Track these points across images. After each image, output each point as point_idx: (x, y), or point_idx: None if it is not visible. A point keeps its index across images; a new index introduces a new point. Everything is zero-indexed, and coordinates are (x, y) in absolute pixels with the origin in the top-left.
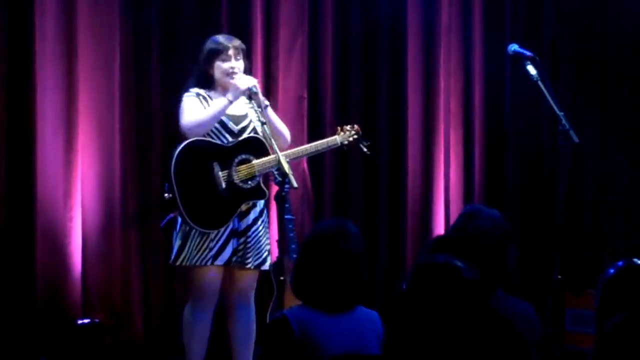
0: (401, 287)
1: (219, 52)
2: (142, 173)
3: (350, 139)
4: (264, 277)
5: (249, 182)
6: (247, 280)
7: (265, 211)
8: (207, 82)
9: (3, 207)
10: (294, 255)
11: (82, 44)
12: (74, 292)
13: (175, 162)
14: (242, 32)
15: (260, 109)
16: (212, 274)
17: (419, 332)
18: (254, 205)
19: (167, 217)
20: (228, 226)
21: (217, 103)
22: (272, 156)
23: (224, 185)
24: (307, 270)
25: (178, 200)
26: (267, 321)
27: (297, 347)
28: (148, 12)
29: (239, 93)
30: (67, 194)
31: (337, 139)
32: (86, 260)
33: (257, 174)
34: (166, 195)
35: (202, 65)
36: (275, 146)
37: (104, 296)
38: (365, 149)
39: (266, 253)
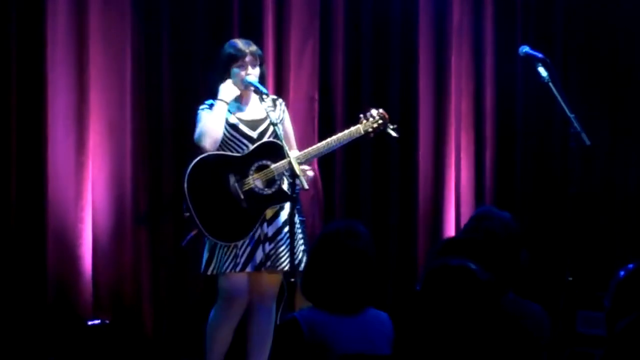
0: (414, 289)
1: (236, 59)
2: (153, 174)
3: (375, 125)
4: None
5: (269, 188)
6: (272, 284)
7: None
8: None
9: (14, 208)
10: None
11: (93, 46)
12: (85, 293)
13: (187, 182)
14: (254, 33)
15: (262, 95)
16: (241, 280)
17: (432, 333)
18: (282, 208)
19: (189, 236)
20: (255, 233)
21: (215, 108)
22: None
23: (242, 195)
24: (316, 271)
25: (196, 218)
26: (278, 323)
27: (307, 348)
28: (159, 14)
29: (229, 91)
30: (78, 195)
31: (360, 128)
32: (97, 261)
33: (276, 178)
34: (185, 214)
35: (219, 72)
36: (287, 147)
37: (114, 297)
38: (393, 133)
39: (301, 254)
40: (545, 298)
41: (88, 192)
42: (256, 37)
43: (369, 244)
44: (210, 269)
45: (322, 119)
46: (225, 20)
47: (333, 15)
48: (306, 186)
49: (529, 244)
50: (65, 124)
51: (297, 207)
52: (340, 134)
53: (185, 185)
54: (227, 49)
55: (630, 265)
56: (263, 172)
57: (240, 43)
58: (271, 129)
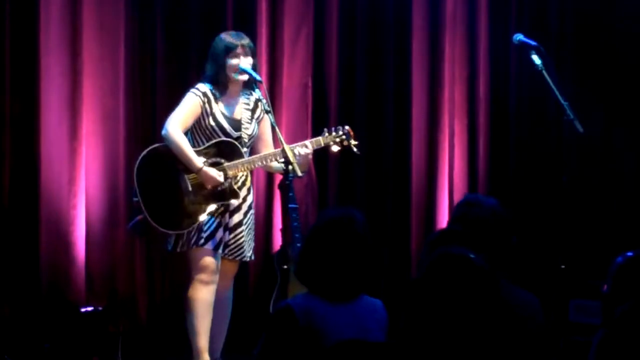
0: (409, 277)
1: (229, 50)
2: None
3: (338, 139)
4: (267, 266)
5: (220, 185)
6: (233, 269)
7: (252, 204)
8: (219, 81)
9: (8, 194)
10: (298, 244)
11: (87, 31)
12: (78, 280)
13: (137, 168)
14: (248, 20)
15: (255, 82)
16: (209, 253)
17: (433, 322)
18: (244, 200)
19: (135, 220)
20: (218, 218)
21: (191, 156)
22: (244, 159)
23: (190, 187)
24: (313, 257)
25: (142, 204)
26: (271, 310)
27: (301, 336)
28: (153, 1)
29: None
30: (72, 181)
31: (320, 140)
32: (90, 247)
33: (228, 176)
34: (134, 199)
35: (214, 64)
36: (281, 135)
37: (107, 284)
38: (355, 149)
39: (253, 242)
40: (538, 286)
41: (81, 179)
42: (250, 25)
43: (366, 231)
44: (179, 246)
45: (315, 106)
46: (219, 7)
47: (327, 3)
48: (299, 173)
49: (522, 231)
50: (59, 110)
51: (291, 194)
52: (299, 143)
53: (136, 171)
54: (220, 42)
55: (630, 253)
56: (215, 168)
57: (231, 36)
58: (248, 131)
